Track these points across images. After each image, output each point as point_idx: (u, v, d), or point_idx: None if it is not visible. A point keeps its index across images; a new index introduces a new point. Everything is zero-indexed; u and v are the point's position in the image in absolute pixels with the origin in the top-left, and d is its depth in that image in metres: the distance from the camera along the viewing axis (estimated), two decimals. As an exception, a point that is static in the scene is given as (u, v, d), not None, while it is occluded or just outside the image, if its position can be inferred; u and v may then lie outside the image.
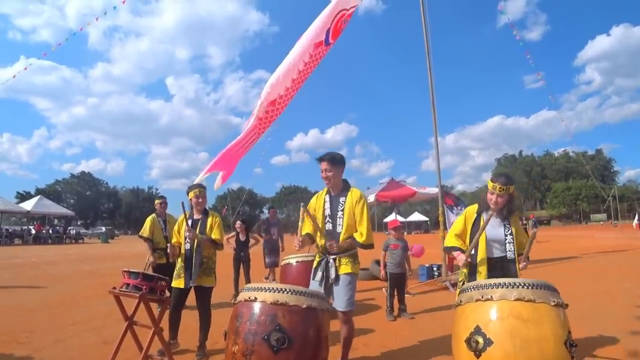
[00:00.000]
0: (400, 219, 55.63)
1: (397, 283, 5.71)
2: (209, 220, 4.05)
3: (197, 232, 3.91)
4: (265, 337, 2.24)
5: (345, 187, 3.37)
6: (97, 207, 78.59)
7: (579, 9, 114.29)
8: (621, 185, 73.08)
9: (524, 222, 24.27)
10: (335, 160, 3.28)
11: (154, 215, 6.01)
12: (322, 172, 3.28)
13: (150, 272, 5.65)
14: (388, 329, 4.93)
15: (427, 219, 53.79)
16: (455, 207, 8.83)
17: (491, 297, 2.29)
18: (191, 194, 4.08)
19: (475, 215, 3.17)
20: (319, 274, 3.20)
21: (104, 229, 46.90)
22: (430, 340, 4.32)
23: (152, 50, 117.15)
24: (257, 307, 2.36)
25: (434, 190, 9.92)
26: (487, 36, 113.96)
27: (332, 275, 3.14)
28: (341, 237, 3.20)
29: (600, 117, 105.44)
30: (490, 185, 3.07)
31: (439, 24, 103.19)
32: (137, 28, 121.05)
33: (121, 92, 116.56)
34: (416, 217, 54.84)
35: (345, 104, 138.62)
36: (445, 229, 7.86)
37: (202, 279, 3.85)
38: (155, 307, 3.90)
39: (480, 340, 2.21)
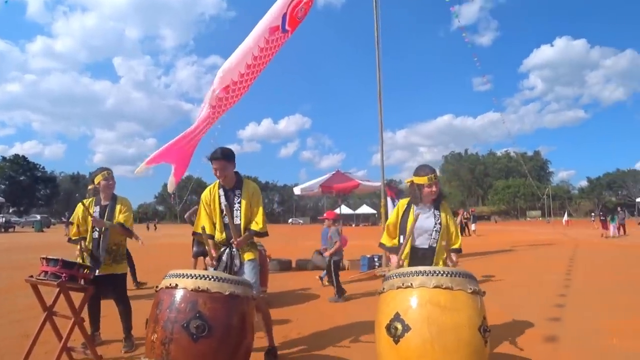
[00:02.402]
0: (349, 211, 56.69)
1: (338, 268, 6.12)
2: (118, 206, 3.83)
3: (106, 218, 3.71)
4: (185, 325, 2.16)
5: (239, 180, 3.41)
6: (31, 193, 73.04)
7: (527, 18, 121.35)
8: (555, 185, 78.50)
9: (465, 217, 25.40)
10: (227, 157, 3.28)
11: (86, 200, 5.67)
12: (215, 170, 3.26)
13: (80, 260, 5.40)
14: (321, 317, 4.97)
15: (375, 211, 54.97)
16: (396, 199, 9.04)
17: (411, 284, 2.33)
18: (99, 178, 3.82)
19: (406, 207, 3.26)
20: (222, 264, 3.22)
21: (38, 217, 43.37)
22: (361, 323, 4.44)
23: (99, 27, 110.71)
24: (177, 294, 2.27)
25: (377, 183, 10.12)
26: (441, 37, 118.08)
27: (237, 263, 3.21)
28: (242, 229, 3.26)
29: (540, 121, 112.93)
30: (422, 180, 3.14)
31: (395, 22, 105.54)
32: (83, 2, 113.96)
33: (63, 69, 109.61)
34: (364, 209, 55.88)
35: (300, 95, 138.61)
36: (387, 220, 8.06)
37: (112, 267, 3.70)
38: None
39: (399, 326, 2.24)
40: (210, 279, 2.33)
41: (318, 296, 6.28)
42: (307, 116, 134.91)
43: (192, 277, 2.32)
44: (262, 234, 3.33)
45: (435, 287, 2.29)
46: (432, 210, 3.17)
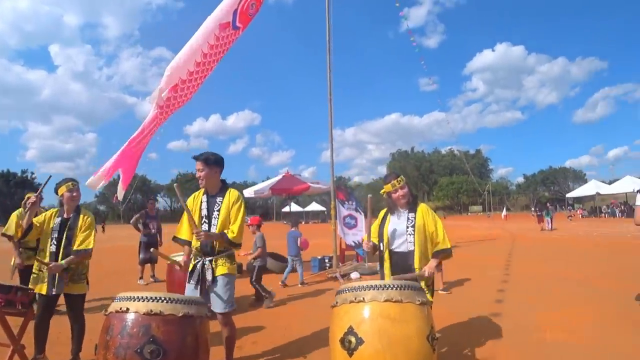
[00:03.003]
0: (298, 208, 56.81)
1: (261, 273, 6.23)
2: (80, 219, 3.58)
3: (66, 232, 3.47)
4: (138, 350, 2.12)
5: (223, 188, 3.35)
6: (-49, 192, 66.93)
7: (472, 23, 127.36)
8: (495, 182, 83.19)
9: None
10: (209, 161, 3.23)
11: (20, 210, 5.27)
12: (196, 172, 3.23)
13: (15, 275, 5.04)
14: (276, 323, 5.00)
15: (324, 209, 55.46)
16: (346, 202, 9.22)
17: (363, 298, 2.43)
18: (63, 189, 3.58)
19: (384, 214, 3.42)
20: (194, 278, 3.13)
21: (-39, 218, 39.72)
22: (319, 332, 4.48)
23: (33, 10, 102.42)
24: (129, 319, 2.22)
25: (327, 185, 10.28)
26: (390, 38, 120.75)
27: (209, 277, 3.09)
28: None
29: (482, 121, 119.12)
30: (388, 187, 3.29)
31: (346, 21, 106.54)
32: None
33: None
34: (314, 207, 56.23)
35: (249, 91, 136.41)
36: (337, 221, 8.20)
37: (70, 287, 3.45)
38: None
39: (353, 339, 2.34)
40: (162, 301, 2.29)
41: (290, 298, 6.29)
42: (257, 112, 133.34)
43: (144, 300, 2.27)
44: (236, 244, 3.21)
45: (386, 300, 2.40)
46: (407, 214, 3.27)
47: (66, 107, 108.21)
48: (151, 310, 2.22)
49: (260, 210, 71.79)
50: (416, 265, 3.13)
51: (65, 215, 3.60)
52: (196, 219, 3.23)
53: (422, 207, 3.29)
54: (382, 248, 3.29)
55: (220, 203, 3.24)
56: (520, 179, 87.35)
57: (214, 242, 3.17)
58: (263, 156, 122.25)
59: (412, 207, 3.29)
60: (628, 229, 17.78)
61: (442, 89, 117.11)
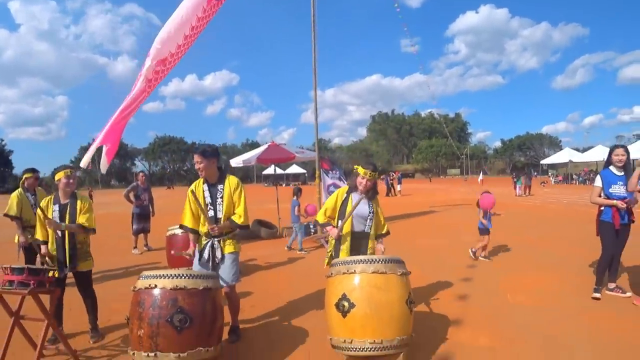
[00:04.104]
0: (280, 171, 56.97)
1: None
2: (78, 204, 3.81)
3: (68, 217, 3.72)
4: (169, 319, 2.55)
5: (221, 176, 3.65)
6: None
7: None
8: (473, 145, 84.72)
9: (392, 177, 27.19)
10: (206, 153, 3.50)
11: (20, 190, 5.50)
12: (195, 164, 3.53)
13: (22, 254, 5.34)
14: (269, 288, 5.49)
15: (304, 171, 55.81)
16: (330, 171, 9.63)
17: (354, 270, 2.92)
18: (60, 175, 3.76)
19: (345, 195, 3.80)
20: (205, 256, 3.51)
21: None
22: (307, 296, 5.03)
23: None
24: (158, 293, 2.63)
25: (312, 154, 10.66)
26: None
27: (219, 255, 3.51)
28: (222, 222, 3.55)
29: (463, 84, 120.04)
30: (362, 171, 3.69)
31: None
32: None
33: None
34: (295, 169, 56.55)
35: (227, 51, 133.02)
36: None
37: (78, 265, 3.76)
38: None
39: (346, 304, 2.84)
40: (185, 277, 2.72)
41: (260, 267, 6.76)
42: (235, 72, 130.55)
43: (169, 277, 2.69)
44: (245, 226, 3.60)
45: (373, 272, 2.90)
46: (368, 201, 3.74)
47: (32, 69, 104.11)
48: (177, 286, 2.65)
49: (241, 173, 71.79)
50: (370, 245, 3.69)
51: (62, 201, 3.81)
52: (200, 206, 3.54)
53: (376, 199, 3.83)
54: (339, 225, 3.69)
55: (222, 190, 3.57)
56: (498, 144, 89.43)
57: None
58: (242, 117, 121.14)
59: (371, 197, 3.77)
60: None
61: (424, 51, 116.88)
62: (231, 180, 3.63)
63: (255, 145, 76.68)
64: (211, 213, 3.55)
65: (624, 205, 4.50)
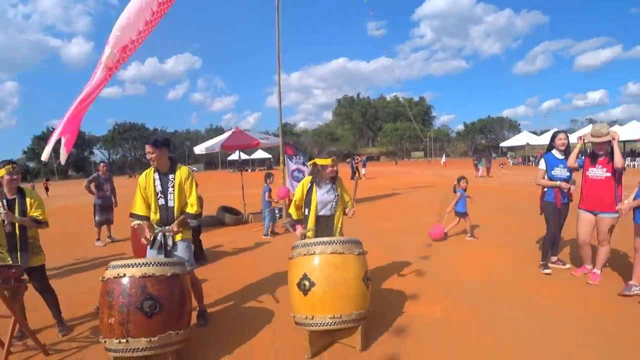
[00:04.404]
0: (245, 156, 56.43)
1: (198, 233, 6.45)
2: (28, 200, 3.77)
3: (18, 212, 3.67)
4: (139, 306, 2.68)
5: (172, 166, 3.75)
6: None
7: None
8: (437, 129, 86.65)
9: (357, 161, 27.68)
10: (158, 144, 3.60)
11: None
12: (147, 154, 3.62)
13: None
14: (233, 273, 5.66)
15: (270, 156, 55.34)
16: (294, 157, 9.78)
17: (314, 252, 3.14)
18: (2, 172, 3.65)
19: (309, 184, 4.00)
20: (156, 244, 3.60)
21: None
22: (270, 275, 5.30)
23: None
24: (127, 282, 2.75)
25: (277, 140, 10.77)
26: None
27: (170, 243, 3.63)
28: (175, 211, 3.67)
29: (427, 68, 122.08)
30: (326, 161, 3.90)
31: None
32: None
33: None
34: (260, 154, 55.93)
35: (189, 33, 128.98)
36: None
37: (31, 260, 3.73)
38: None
39: (307, 283, 3.06)
40: (153, 265, 2.84)
41: (226, 253, 6.89)
42: (197, 55, 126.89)
43: (137, 266, 2.80)
44: (197, 215, 3.80)
45: (332, 253, 3.13)
46: (331, 185, 3.95)
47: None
48: (145, 274, 2.77)
49: (205, 159, 70.76)
50: (337, 225, 3.92)
51: (9, 197, 3.73)
52: (151, 195, 3.67)
53: (340, 180, 4.04)
54: (307, 213, 3.95)
55: (173, 180, 3.68)
56: (461, 127, 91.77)
57: (173, 214, 3.66)
58: (205, 102, 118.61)
59: (333, 180, 3.98)
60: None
61: (390, 35, 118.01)
62: (182, 171, 3.74)
63: (219, 130, 75.41)
64: (162, 202, 3.65)
65: (568, 186, 4.93)
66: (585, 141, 4.81)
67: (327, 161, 3.88)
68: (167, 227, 3.62)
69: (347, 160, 29.76)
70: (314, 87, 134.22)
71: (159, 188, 3.65)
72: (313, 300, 3.05)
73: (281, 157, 9.44)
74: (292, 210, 4.12)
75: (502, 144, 48.74)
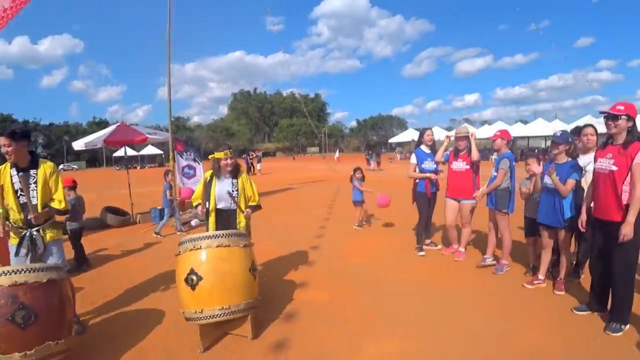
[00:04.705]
0: (134, 152, 52.54)
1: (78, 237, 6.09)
2: None
3: None
4: (10, 318, 2.49)
5: (33, 160, 3.47)
6: None
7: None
8: (331, 125, 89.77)
9: (252, 156, 27.73)
10: (16, 136, 3.28)
11: None
12: (2, 147, 3.28)
13: None
14: (120, 277, 5.42)
15: (161, 152, 51.98)
16: (185, 153, 9.55)
17: (200, 246, 3.23)
18: None
19: (209, 178, 4.12)
20: (23, 250, 3.34)
21: None
22: (159, 274, 5.27)
23: None
24: (-6, 293, 2.53)
25: (166, 135, 10.36)
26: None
27: (41, 246, 3.39)
28: (39, 209, 3.38)
29: (324, 66, 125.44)
30: (220, 154, 4.03)
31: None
32: None
33: None
34: (150, 150, 52.37)
35: (69, 11, 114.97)
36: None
37: None
38: None
39: (195, 278, 3.14)
40: (25, 272, 2.66)
41: (113, 256, 6.56)
42: (79, 38, 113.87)
43: (6, 274, 2.60)
44: (64, 211, 3.57)
45: (218, 246, 3.25)
46: (231, 179, 4.08)
47: None
48: (15, 282, 2.58)
49: (87, 156, 64.19)
50: (239, 219, 4.06)
51: None
52: (10, 193, 3.32)
53: (243, 176, 4.19)
54: (208, 206, 4.08)
55: (35, 176, 3.40)
56: (354, 123, 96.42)
57: (37, 210, 3.35)
58: (88, 91, 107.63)
59: (234, 174, 4.12)
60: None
61: (288, 31, 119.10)
62: (46, 166, 3.49)
63: (103, 124, 68.57)
64: (23, 200, 3.33)
65: (436, 177, 5.67)
66: (451, 138, 5.68)
67: (221, 154, 4.01)
68: (33, 229, 3.36)
69: (243, 156, 29.57)
70: (209, 79, 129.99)
71: (17, 185, 3.31)
72: (201, 294, 3.14)
73: (171, 154, 9.14)
74: (195, 202, 4.25)
75: (391, 140, 52.36)
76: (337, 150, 45.93)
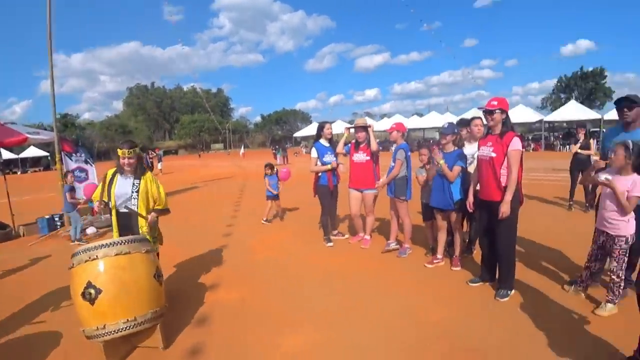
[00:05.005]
0: (12, 155, 46.02)
1: None
2: None
3: None
4: None
5: None
6: None
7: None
8: (235, 120, 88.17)
9: (151, 156, 26.11)
10: None
11: None
12: None
13: None
14: (8, 300, 4.76)
15: (46, 153, 46.17)
16: (74, 154, 8.71)
17: (97, 256, 2.94)
18: None
19: (111, 176, 3.82)
20: None
21: None
22: (56, 297, 4.63)
23: None
24: None
25: (50, 134, 9.29)
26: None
27: None
28: None
29: (226, 60, 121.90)
30: (119, 152, 3.75)
31: None
32: None
33: None
34: (33, 152, 46.15)
35: None
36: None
37: None
38: None
39: (93, 291, 2.85)
40: None
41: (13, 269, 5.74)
42: None
43: None
44: None
45: (117, 254, 3.00)
46: (132, 179, 3.79)
47: None
48: None
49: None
50: (141, 224, 3.79)
51: None
52: None
53: (148, 176, 3.91)
54: (110, 207, 3.79)
55: None
56: (258, 118, 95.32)
57: None
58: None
59: (138, 175, 3.84)
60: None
61: (188, 22, 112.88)
62: None
63: (-30, 123, 59.04)
64: None
65: (337, 166, 5.83)
66: (351, 130, 5.89)
67: (122, 152, 3.75)
68: None
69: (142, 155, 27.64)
70: (100, 72, 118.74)
71: None
72: (102, 308, 2.87)
73: (57, 156, 8.22)
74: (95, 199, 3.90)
75: (296, 134, 52.87)
76: (242, 146, 45.27)
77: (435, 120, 36.57)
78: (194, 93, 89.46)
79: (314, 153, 5.88)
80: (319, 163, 5.82)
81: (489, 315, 3.55)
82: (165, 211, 4.04)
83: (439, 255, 4.84)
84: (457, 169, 4.44)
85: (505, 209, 3.65)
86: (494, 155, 3.77)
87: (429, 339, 3.19)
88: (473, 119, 4.93)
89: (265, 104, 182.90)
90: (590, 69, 57.40)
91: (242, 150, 41.05)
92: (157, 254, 3.71)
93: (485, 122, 4.04)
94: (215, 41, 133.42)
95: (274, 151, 27.49)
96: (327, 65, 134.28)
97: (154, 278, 3.14)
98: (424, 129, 42.34)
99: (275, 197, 7.93)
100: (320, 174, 5.88)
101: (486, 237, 4.07)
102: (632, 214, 3.31)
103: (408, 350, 3.06)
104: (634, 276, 3.47)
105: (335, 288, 4.31)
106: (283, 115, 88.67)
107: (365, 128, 5.55)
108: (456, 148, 4.60)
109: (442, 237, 4.83)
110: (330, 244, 5.90)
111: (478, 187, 4.08)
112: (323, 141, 5.94)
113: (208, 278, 4.83)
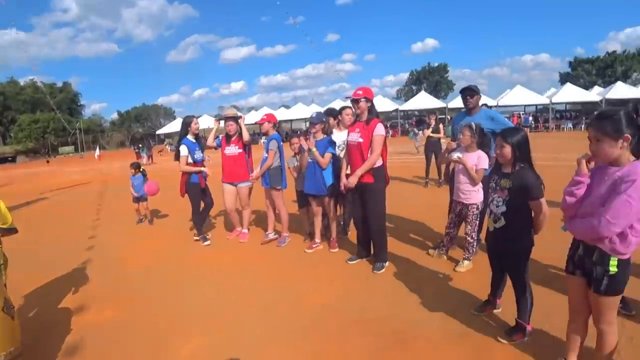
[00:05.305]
0: None
1: None
2: None
3: None
4: None
5: None
6: None
7: None
8: (87, 119, 78.77)
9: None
10: None
11: None
12: None
13: None
14: None
15: None
16: None
17: None
18: None
19: None
20: None
21: None
22: None
23: None
24: None
25: None
26: None
27: None
28: None
29: (74, 49, 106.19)
30: None
31: None
32: None
33: None
34: None
35: None
36: None
37: None
38: None
39: None
40: None
41: None
42: None
43: None
44: None
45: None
46: None
47: None
48: None
49: None
50: None
51: None
52: None
53: None
54: None
55: None
56: (115, 116, 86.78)
57: None
58: None
59: None
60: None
61: (23, 2, 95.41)
62: None
63: None
64: None
65: (208, 174, 5.69)
66: (220, 122, 5.74)
67: None
68: None
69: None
70: None
71: None
72: None
73: None
74: None
75: (159, 131, 49.65)
76: (98, 148, 40.65)
77: (302, 111, 37.93)
78: (34, 88, 77.18)
79: (183, 150, 5.57)
80: (190, 160, 5.55)
81: (369, 287, 3.91)
82: (11, 231, 3.30)
83: (317, 240, 5.05)
84: (328, 155, 4.66)
85: (352, 181, 4.04)
86: (361, 140, 4.07)
87: (320, 319, 3.38)
88: (344, 108, 5.21)
89: (123, 100, 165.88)
90: (436, 64, 66.66)
91: (97, 152, 36.82)
92: (5, 284, 3.08)
93: (353, 110, 4.32)
94: (60, 27, 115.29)
95: (136, 150, 25.29)
96: (191, 57, 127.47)
97: (2, 312, 2.68)
98: (291, 120, 43.37)
99: (141, 199, 7.35)
100: (191, 173, 5.63)
101: (359, 217, 4.38)
102: (480, 185, 3.91)
103: (302, 332, 3.20)
104: (482, 236, 4.08)
105: (219, 288, 4.22)
106: (143, 111, 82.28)
107: (236, 119, 5.46)
108: (325, 136, 4.81)
109: (318, 222, 5.05)
110: (207, 242, 5.73)
111: (348, 171, 4.34)
112: (190, 137, 5.67)
113: (74, 300, 4.25)
